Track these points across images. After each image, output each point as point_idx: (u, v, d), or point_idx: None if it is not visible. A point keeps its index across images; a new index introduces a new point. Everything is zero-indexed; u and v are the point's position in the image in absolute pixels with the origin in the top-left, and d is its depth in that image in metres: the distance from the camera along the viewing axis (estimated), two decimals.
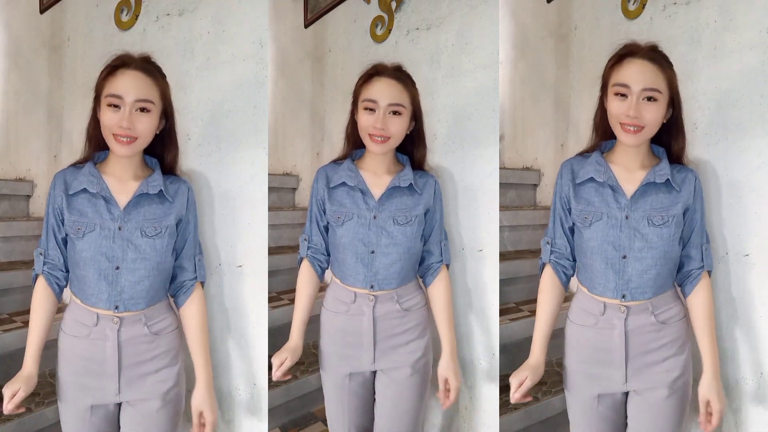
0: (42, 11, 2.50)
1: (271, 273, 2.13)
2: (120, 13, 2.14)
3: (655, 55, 1.82)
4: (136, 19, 2.12)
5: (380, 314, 2.00)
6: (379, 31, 2.39)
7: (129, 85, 1.78)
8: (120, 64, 1.81)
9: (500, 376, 2.19)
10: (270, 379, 2.02)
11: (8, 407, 1.77)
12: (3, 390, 1.81)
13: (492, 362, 2.17)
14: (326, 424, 2.12)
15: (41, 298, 1.86)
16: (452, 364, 2.05)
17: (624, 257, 1.83)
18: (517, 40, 3.03)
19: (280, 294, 2.72)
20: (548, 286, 1.96)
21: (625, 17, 2.20)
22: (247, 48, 2.06)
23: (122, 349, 1.82)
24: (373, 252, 1.99)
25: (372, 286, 1.99)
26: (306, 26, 2.89)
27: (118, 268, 1.81)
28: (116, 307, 1.82)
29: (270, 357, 2.01)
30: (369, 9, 2.43)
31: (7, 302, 2.56)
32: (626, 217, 1.83)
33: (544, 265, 1.97)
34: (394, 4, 2.34)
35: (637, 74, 1.79)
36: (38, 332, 1.85)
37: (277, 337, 2.05)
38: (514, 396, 1.88)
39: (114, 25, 2.14)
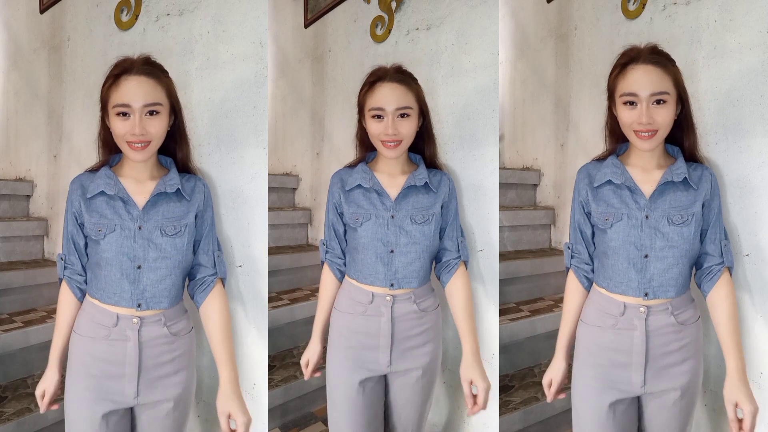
0: (42, 11, 2.50)
1: (271, 273, 2.13)
2: (120, 13, 2.14)
3: (657, 57, 1.80)
4: (136, 19, 2.12)
5: (398, 315, 2.00)
6: (379, 31, 2.39)
7: (135, 92, 1.77)
8: (122, 71, 1.79)
9: (500, 376, 2.20)
10: (270, 379, 2.01)
11: (42, 407, 1.89)
12: (36, 392, 1.89)
13: (492, 362, 2.17)
14: (326, 424, 2.11)
15: (64, 300, 1.88)
16: (477, 365, 2.02)
17: (646, 256, 1.83)
18: (517, 40, 3.03)
19: (280, 294, 2.72)
20: (571, 289, 1.97)
21: (625, 17, 2.20)
22: (247, 48, 2.05)
23: (143, 350, 1.82)
24: (392, 251, 1.99)
25: (392, 285, 1.99)
26: (306, 26, 2.89)
27: (140, 267, 1.81)
28: (138, 305, 1.82)
29: (270, 357, 2.01)
30: (369, 9, 2.43)
31: (7, 302, 2.56)
32: (646, 217, 1.83)
33: (568, 269, 1.99)
34: (394, 4, 2.34)
35: (643, 81, 1.78)
36: (63, 334, 1.88)
37: (277, 337, 2.05)
38: (549, 395, 2.02)
39: (114, 25, 2.14)
